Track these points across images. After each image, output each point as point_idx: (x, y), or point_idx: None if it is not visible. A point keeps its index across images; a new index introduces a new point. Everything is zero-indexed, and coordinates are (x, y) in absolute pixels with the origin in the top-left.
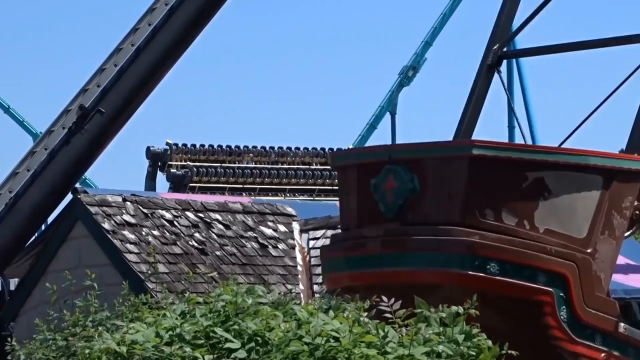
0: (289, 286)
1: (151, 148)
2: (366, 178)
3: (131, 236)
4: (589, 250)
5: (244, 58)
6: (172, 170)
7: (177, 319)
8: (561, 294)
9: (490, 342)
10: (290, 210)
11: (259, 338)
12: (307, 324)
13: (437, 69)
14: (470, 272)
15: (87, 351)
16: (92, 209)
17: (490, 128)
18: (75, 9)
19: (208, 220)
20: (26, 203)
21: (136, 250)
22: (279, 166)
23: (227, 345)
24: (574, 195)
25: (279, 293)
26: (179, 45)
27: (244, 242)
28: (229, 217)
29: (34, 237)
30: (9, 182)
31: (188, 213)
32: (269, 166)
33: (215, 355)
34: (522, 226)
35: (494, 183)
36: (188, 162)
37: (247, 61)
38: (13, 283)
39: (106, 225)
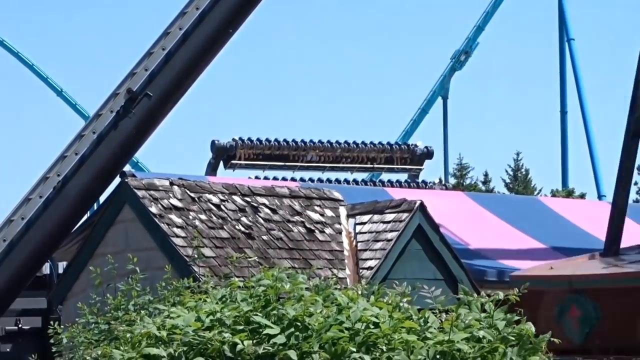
0: (335, 271)
1: (216, 142)
2: (549, 305)
3: (178, 220)
4: None
5: (291, 51)
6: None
7: (217, 303)
8: None
9: (533, 329)
10: (337, 194)
11: (298, 323)
12: (347, 309)
13: (489, 53)
14: None
15: (128, 335)
16: (140, 193)
17: (542, 113)
18: None
19: (255, 204)
20: (74, 187)
21: (183, 234)
22: (341, 165)
23: (266, 331)
24: None
25: (320, 278)
26: (226, 29)
27: (290, 226)
28: (276, 201)
29: (82, 221)
30: (57, 165)
31: (235, 197)
32: (330, 164)
33: (255, 341)
34: None
35: None
36: (251, 161)
37: (296, 52)
38: (61, 266)
39: (153, 209)
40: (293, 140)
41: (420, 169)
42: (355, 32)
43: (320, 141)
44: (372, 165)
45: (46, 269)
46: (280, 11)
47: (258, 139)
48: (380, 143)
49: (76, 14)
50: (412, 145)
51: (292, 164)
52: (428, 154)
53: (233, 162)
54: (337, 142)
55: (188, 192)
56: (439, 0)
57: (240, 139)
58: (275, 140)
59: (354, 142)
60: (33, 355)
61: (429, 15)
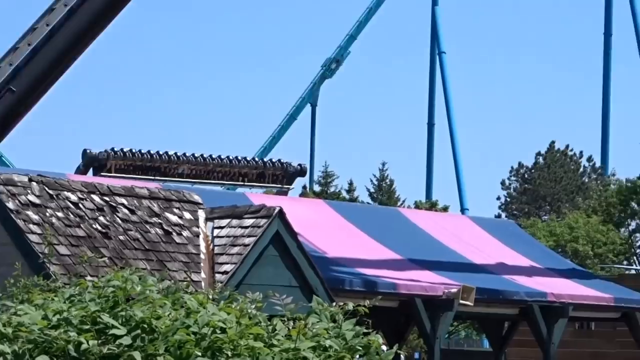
0: (190, 274)
1: (88, 151)
2: None
3: (35, 217)
4: None
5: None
6: None
7: (65, 302)
8: None
9: (380, 340)
10: (196, 197)
11: (145, 325)
12: (195, 313)
13: (360, 63)
14: None
15: None
16: None
17: (410, 124)
18: None
19: (114, 204)
20: None
21: (39, 231)
22: (210, 181)
23: (113, 331)
24: None
25: (171, 281)
26: (95, 26)
27: (148, 227)
28: (135, 201)
29: None
30: None
31: (94, 196)
32: (201, 180)
33: (100, 341)
34: None
35: None
36: (122, 173)
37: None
38: None
39: (10, 205)
40: (165, 153)
41: (290, 188)
42: (227, 33)
43: (193, 155)
44: (242, 182)
45: None
46: (155, 20)
47: (130, 150)
48: (253, 159)
49: None
50: (285, 163)
51: (163, 178)
52: (301, 172)
53: (103, 173)
54: (210, 156)
55: (47, 189)
56: (312, 9)
57: (112, 149)
58: (148, 152)
59: (227, 157)
60: None
61: (302, 23)
